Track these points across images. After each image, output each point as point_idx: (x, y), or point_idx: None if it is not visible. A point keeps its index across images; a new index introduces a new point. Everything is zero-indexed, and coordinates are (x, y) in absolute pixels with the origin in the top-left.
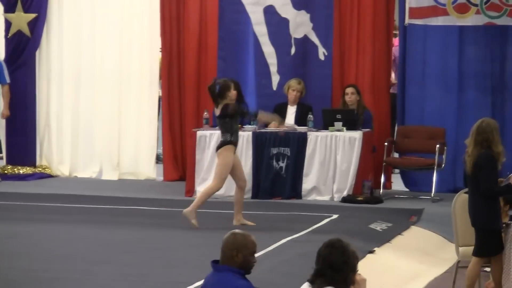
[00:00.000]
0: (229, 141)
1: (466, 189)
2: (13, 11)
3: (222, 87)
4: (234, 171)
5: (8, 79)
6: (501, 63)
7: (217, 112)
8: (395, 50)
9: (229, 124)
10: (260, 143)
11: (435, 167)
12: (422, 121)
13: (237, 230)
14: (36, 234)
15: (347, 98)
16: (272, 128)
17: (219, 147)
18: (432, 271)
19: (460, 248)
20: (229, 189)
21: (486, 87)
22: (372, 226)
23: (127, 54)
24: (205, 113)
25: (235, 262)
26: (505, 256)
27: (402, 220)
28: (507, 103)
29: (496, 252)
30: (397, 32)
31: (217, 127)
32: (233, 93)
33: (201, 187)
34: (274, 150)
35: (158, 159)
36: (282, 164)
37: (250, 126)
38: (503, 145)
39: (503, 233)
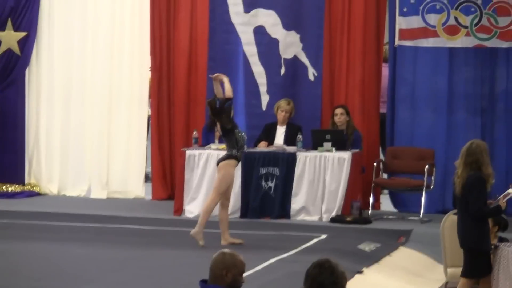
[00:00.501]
0: (235, 156)
1: (455, 210)
2: (3, 30)
3: (222, 102)
4: (227, 187)
5: None
6: (491, 85)
7: (217, 128)
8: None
9: (234, 139)
10: (249, 163)
11: (424, 188)
12: (411, 142)
13: (226, 250)
14: (24, 252)
15: (336, 118)
16: (261, 148)
17: (221, 160)
18: None
19: (449, 269)
20: (217, 208)
21: (475, 108)
22: (361, 246)
23: (117, 72)
24: (194, 132)
25: (224, 281)
26: (494, 277)
27: (391, 241)
28: (496, 125)
29: (484, 273)
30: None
31: (206, 146)
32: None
33: (190, 207)
34: (263, 170)
35: (147, 178)
36: (271, 184)
37: None
38: (492, 167)
39: (492, 255)
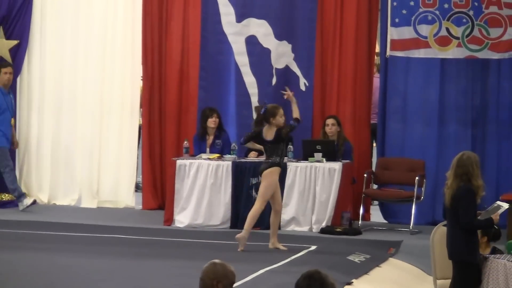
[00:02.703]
0: (278, 163)
1: (445, 222)
2: None
3: (267, 111)
4: (274, 194)
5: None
6: (482, 97)
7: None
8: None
9: (281, 149)
10: (240, 173)
11: (414, 199)
12: (402, 153)
13: (217, 260)
14: (14, 261)
15: (327, 129)
16: (252, 158)
17: (266, 168)
18: None
19: (438, 281)
20: (207, 218)
21: (466, 120)
22: (351, 257)
23: (109, 82)
24: (185, 142)
25: None
26: None
27: (381, 252)
28: (487, 136)
29: (473, 285)
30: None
31: (197, 156)
32: (279, 120)
33: (180, 216)
34: (254, 180)
35: (138, 188)
36: None
37: (229, 156)
38: (483, 179)
39: (481, 266)
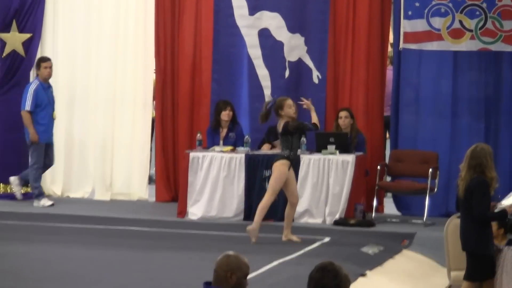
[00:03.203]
0: (287, 156)
1: (459, 214)
2: (8, 31)
3: (275, 104)
4: (288, 186)
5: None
6: (495, 89)
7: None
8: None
9: (290, 141)
10: (253, 165)
11: (428, 191)
12: (415, 145)
13: (230, 252)
14: (28, 254)
15: (340, 121)
16: (265, 150)
17: (275, 160)
18: None
19: (452, 273)
20: (220, 210)
21: (480, 112)
22: (364, 249)
23: (121, 74)
24: (199, 134)
25: (228, 284)
26: (497, 281)
27: (394, 244)
28: (500, 128)
29: (487, 276)
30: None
31: (210, 149)
32: (288, 111)
33: (193, 209)
34: (267, 173)
35: (151, 180)
36: None
37: (243, 148)
38: (496, 171)
39: (495, 258)
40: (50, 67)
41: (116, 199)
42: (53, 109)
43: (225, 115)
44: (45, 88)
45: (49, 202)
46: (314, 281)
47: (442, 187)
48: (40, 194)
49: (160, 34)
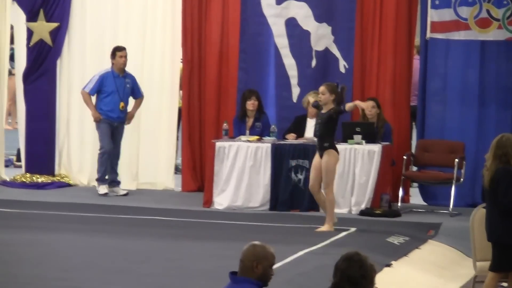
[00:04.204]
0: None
1: (485, 204)
2: (35, 20)
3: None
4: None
5: (141, 93)
6: None
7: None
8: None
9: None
10: (279, 155)
11: (454, 181)
12: (442, 135)
13: (256, 242)
14: (54, 242)
15: (367, 111)
16: (291, 140)
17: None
18: (449, 286)
19: (478, 263)
20: (247, 200)
21: (507, 102)
22: (390, 239)
23: (148, 64)
24: (225, 124)
25: (254, 273)
26: None
27: (420, 234)
28: None
29: None
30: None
31: (236, 138)
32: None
33: (219, 198)
34: (293, 162)
35: (177, 170)
36: (301, 177)
37: (269, 138)
38: None
39: None
40: (125, 56)
41: (142, 188)
42: (121, 99)
43: (250, 104)
44: (116, 77)
45: (104, 190)
46: (340, 271)
47: (469, 177)
48: (99, 179)
49: (187, 23)
